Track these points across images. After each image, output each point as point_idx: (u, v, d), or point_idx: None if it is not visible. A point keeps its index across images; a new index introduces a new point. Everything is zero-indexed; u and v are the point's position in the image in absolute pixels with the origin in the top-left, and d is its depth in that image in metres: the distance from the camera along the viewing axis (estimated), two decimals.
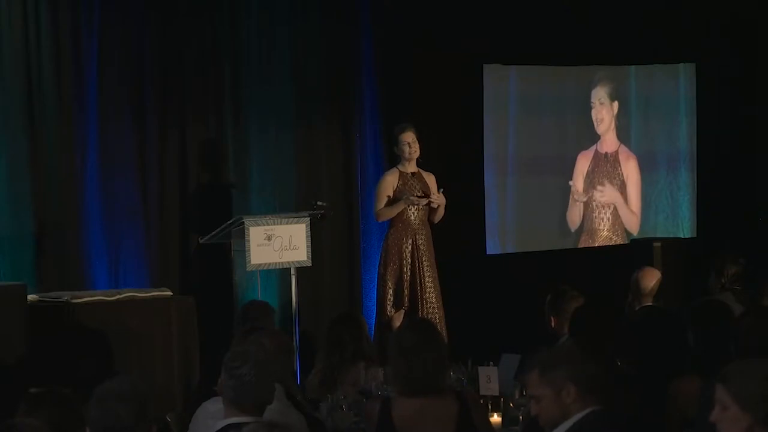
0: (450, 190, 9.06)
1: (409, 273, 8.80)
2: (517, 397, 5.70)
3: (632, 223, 11.49)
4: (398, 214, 8.85)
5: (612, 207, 11.41)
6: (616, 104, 11.44)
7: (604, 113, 11.39)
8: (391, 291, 8.77)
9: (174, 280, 8.82)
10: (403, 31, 10.12)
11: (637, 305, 7.50)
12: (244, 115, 9.43)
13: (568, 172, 11.22)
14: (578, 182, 11.23)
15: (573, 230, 11.20)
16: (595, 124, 11.35)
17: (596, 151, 11.34)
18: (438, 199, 8.85)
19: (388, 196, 8.86)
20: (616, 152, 11.44)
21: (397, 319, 8.70)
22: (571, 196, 11.19)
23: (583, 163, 11.26)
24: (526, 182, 11.01)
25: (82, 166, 8.64)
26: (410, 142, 8.85)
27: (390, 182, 8.85)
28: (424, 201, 8.84)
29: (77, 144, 8.63)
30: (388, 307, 8.76)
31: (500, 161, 10.90)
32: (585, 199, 11.24)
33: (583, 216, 11.28)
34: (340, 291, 9.88)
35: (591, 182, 11.30)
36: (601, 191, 11.34)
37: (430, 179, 9.01)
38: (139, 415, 4.11)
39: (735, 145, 11.71)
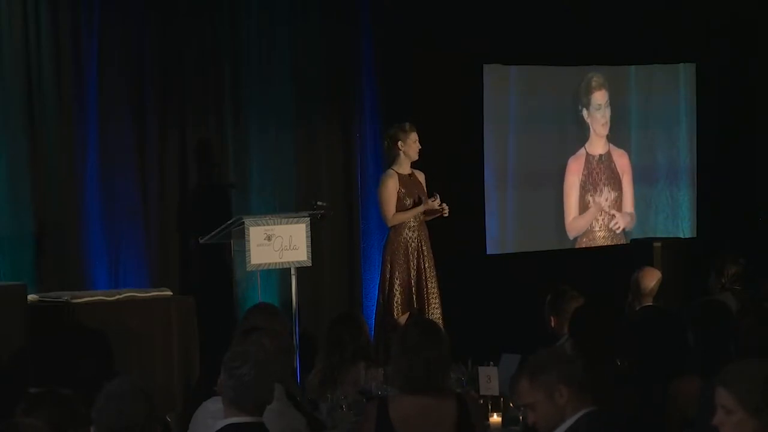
0: (450, 190, 9.05)
1: (415, 275, 8.79)
2: None
3: (628, 222, 11.49)
4: None
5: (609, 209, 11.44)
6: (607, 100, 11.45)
7: (607, 114, 11.39)
8: (398, 293, 8.74)
9: (174, 280, 8.82)
10: (403, 31, 10.12)
11: (637, 305, 7.50)
12: (244, 115, 9.44)
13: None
14: (573, 190, 11.21)
15: (572, 238, 11.22)
16: (595, 124, 11.34)
17: (587, 155, 11.32)
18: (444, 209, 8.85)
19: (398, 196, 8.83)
20: (609, 153, 11.43)
21: (404, 321, 8.68)
22: (567, 209, 11.18)
23: (575, 170, 11.23)
24: (527, 182, 11.00)
25: (82, 166, 8.64)
26: (418, 141, 8.82)
27: (393, 186, 8.80)
28: (437, 203, 8.81)
29: (77, 144, 8.63)
30: (397, 310, 8.71)
31: (500, 162, 10.90)
32: (607, 211, 11.30)
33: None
34: (340, 291, 9.88)
35: (588, 187, 11.29)
36: (615, 220, 11.38)
37: (422, 178, 8.99)
38: (148, 415, 4.12)
39: (735, 145, 11.70)
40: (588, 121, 11.31)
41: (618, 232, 11.40)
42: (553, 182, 11.17)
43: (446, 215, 8.83)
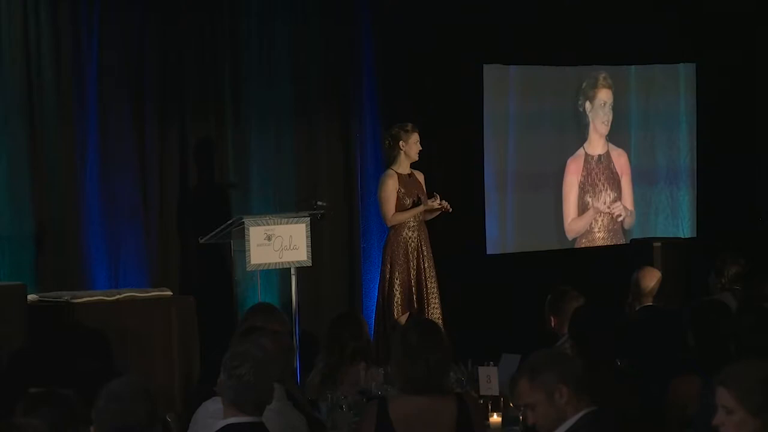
0: (450, 190, 9.04)
1: (415, 274, 8.79)
2: None
3: (627, 219, 11.49)
4: None
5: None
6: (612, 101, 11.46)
7: (610, 115, 11.39)
8: (398, 293, 8.74)
9: (174, 280, 8.83)
10: (403, 31, 10.12)
11: (637, 305, 7.50)
12: (244, 115, 9.44)
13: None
14: (571, 192, 11.21)
15: (571, 239, 11.23)
16: (597, 120, 11.33)
17: (586, 155, 11.32)
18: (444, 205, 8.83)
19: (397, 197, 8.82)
20: (608, 153, 11.43)
21: (404, 321, 8.67)
22: (566, 210, 11.18)
23: (574, 171, 11.23)
24: (526, 182, 11.00)
25: (82, 166, 8.65)
26: (419, 143, 8.82)
27: (393, 186, 8.80)
28: (437, 203, 8.79)
29: (77, 144, 8.64)
30: (397, 310, 8.70)
31: (500, 162, 10.90)
32: (608, 210, 11.32)
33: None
34: (340, 291, 9.88)
35: (587, 188, 11.29)
36: (617, 210, 11.38)
37: (421, 178, 8.99)
38: (150, 415, 4.12)
39: (735, 145, 11.70)
40: (589, 115, 11.31)
41: (618, 220, 11.39)
42: (552, 182, 11.17)
43: (450, 211, 8.82)
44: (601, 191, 11.37)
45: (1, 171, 8.31)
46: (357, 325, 6.74)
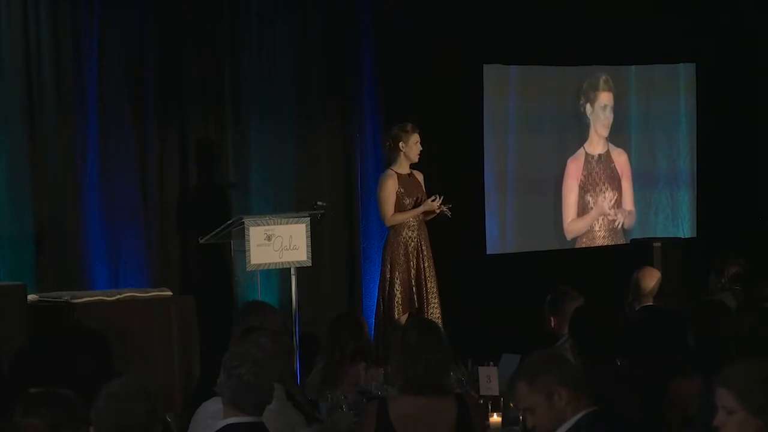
0: (450, 191, 9.04)
1: (415, 274, 8.78)
2: None
3: (627, 220, 11.49)
4: None
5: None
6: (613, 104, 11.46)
7: (611, 117, 11.39)
8: (399, 293, 8.73)
9: (174, 280, 8.83)
10: (403, 31, 10.11)
11: (637, 305, 7.50)
12: (244, 115, 9.44)
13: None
14: (571, 192, 11.21)
15: (570, 239, 11.22)
16: (597, 123, 11.33)
17: (586, 154, 11.32)
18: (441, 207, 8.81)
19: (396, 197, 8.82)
20: (608, 152, 11.44)
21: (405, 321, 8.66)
22: (565, 210, 11.18)
23: (574, 170, 11.23)
24: (527, 182, 11.00)
25: (82, 166, 8.65)
26: (419, 143, 8.81)
27: (392, 186, 8.79)
28: (438, 204, 8.78)
29: (77, 144, 8.64)
30: (398, 310, 8.69)
31: (500, 161, 10.90)
32: (608, 212, 11.32)
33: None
34: (340, 291, 9.88)
35: (587, 187, 11.29)
36: (614, 214, 11.39)
37: (421, 178, 8.99)
38: (150, 415, 4.12)
39: (735, 145, 11.70)
40: (590, 117, 11.31)
41: (617, 226, 11.40)
42: (553, 182, 11.17)
43: (450, 215, 8.81)
44: (601, 190, 11.38)
45: (1, 171, 8.31)
46: (357, 325, 6.75)
